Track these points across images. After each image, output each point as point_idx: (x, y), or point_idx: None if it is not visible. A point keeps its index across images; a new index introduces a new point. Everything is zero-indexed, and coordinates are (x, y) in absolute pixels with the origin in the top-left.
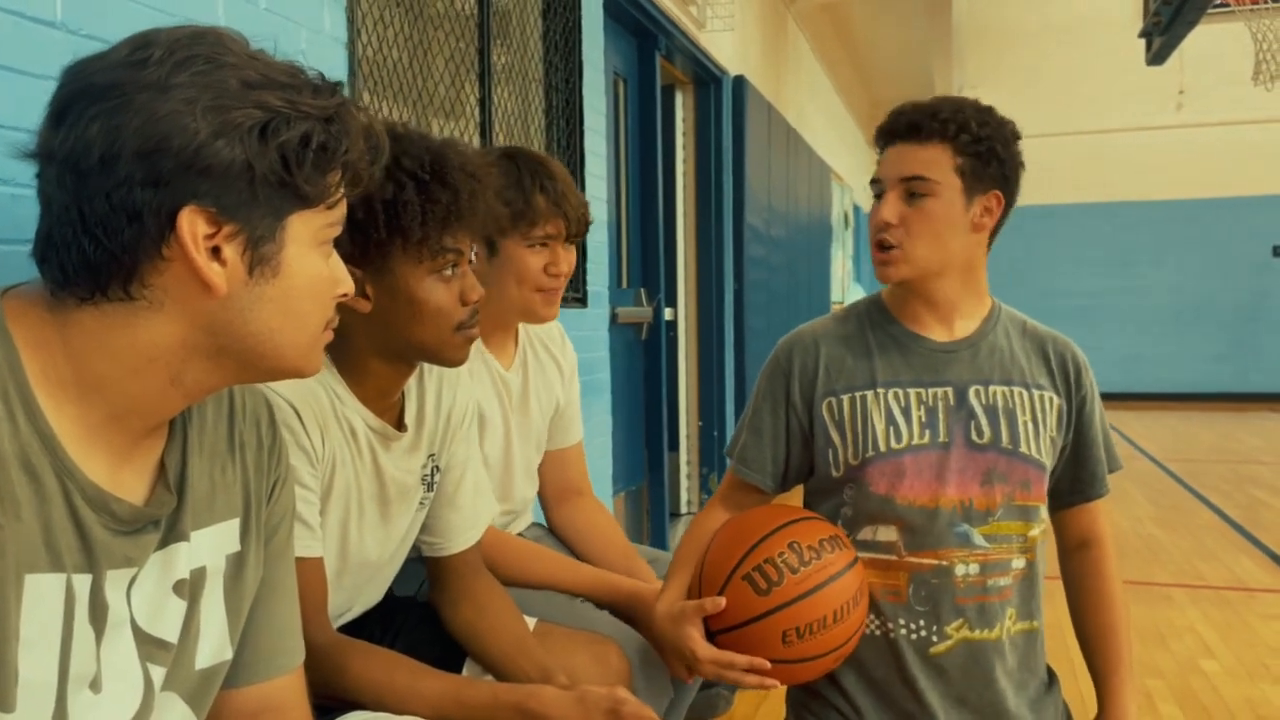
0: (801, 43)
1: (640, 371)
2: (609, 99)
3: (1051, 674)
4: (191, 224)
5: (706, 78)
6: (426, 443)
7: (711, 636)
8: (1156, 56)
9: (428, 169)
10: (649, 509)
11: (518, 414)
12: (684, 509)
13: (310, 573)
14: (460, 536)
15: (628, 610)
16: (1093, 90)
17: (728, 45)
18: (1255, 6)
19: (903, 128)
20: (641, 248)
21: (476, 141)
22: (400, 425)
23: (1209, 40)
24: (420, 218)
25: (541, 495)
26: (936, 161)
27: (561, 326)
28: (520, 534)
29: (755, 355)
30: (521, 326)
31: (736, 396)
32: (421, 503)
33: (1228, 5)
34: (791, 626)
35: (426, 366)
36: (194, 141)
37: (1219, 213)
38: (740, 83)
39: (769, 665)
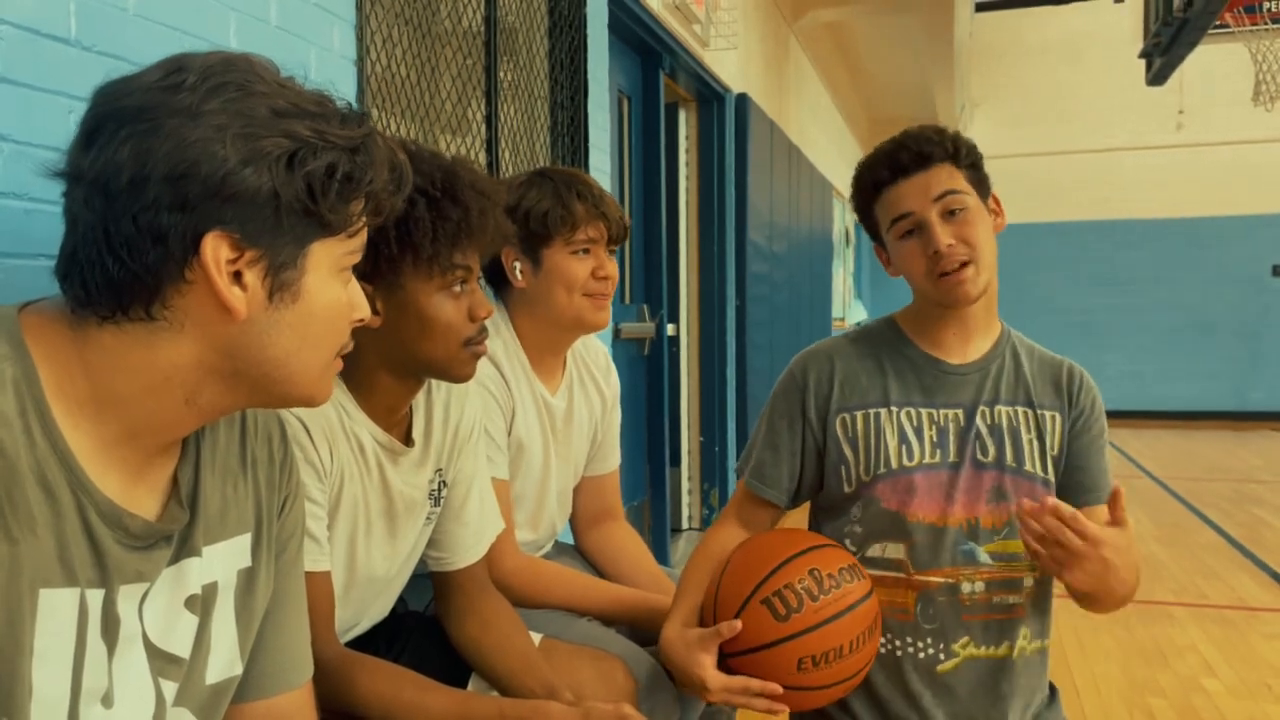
0: (804, 61)
1: (642, 387)
2: (613, 116)
3: (1053, 689)
4: (215, 249)
5: (710, 95)
6: (434, 458)
7: (724, 657)
8: (1157, 76)
9: (439, 186)
10: (650, 524)
11: (559, 441)
12: (685, 524)
13: (318, 587)
14: (466, 552)
15: (649, 626)
16: (1094, 109)
17: (731, 64)
18: (1255, 27)
19: (909, 161)
20: (644, 264)
21: (482, 158)
22: (408, 440)
23: (1209, 60)
24: (431, 234)
25: (574, 518)
26: (953, 178)
27: (608, 354)
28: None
29: (757, 371)
30: (570, 353)
31: (738, 412)
32: (428, 518)
33: (1227, 26)
34: (808, 654)
35: (434, 382)
36: (222, 168)
37: (1219, 231)
38: (743, 100)
39: (781, 691)
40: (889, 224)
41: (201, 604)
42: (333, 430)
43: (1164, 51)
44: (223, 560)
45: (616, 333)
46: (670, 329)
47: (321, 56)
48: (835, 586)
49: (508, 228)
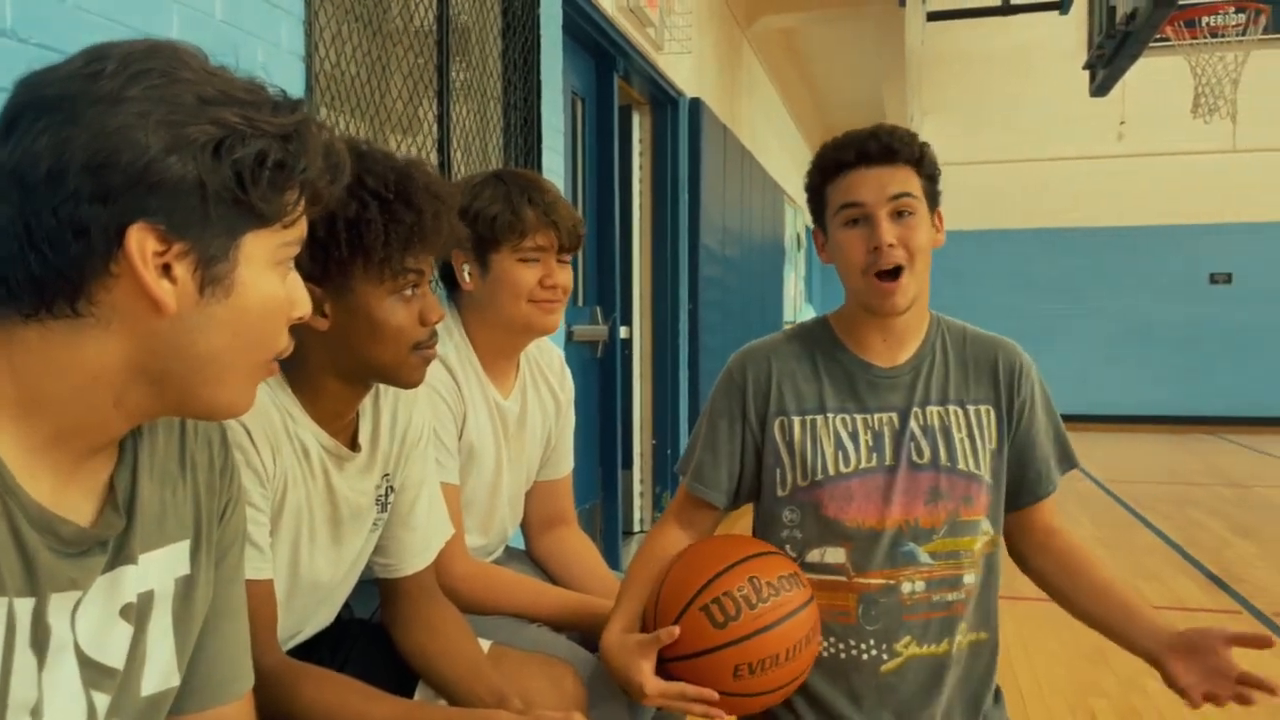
0: (756, 67)
1: (595, 390)
2: (567, 118)
3: (998, 691)
4: (140, 241)
5: (663, 99)
6: (381, 463)
7: (663, 663)
8: (1100, 88)
9: (392, 189)
10: (602, 527)
11: (511, 445)
12: (637, 527)
13: (260, 595)
14: (414, 558)
15: (600, 632)
16: (1039, 119)
17: (685, 68)
18: (1194, 41)
19: (876, 151)
20: (598, 266)
21: (434, 158)
22: (354, 445)
23: (1150, 73)
24: (383, 237)
25: (526, 523)
26: (910, 181)
27: (563, 356)
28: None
29: (710, 374)
30: (524, 356)
31: (691, 415)
32: (375, 524)
33: (1168, 40)
34: (744, 662)
35: (382, 387)
36: (144, 157)
37: (1159, 240)
38: (696, 105)
39: (717, 697)
40: (837, 208)
41: (137, 613)
42: (276, 434)
43: (1107, 63)
44: (160, 568)
45: (569, 335)
46: (623, 332)
47: (269, 52)
48: (774, 594)
49: (461, 231)
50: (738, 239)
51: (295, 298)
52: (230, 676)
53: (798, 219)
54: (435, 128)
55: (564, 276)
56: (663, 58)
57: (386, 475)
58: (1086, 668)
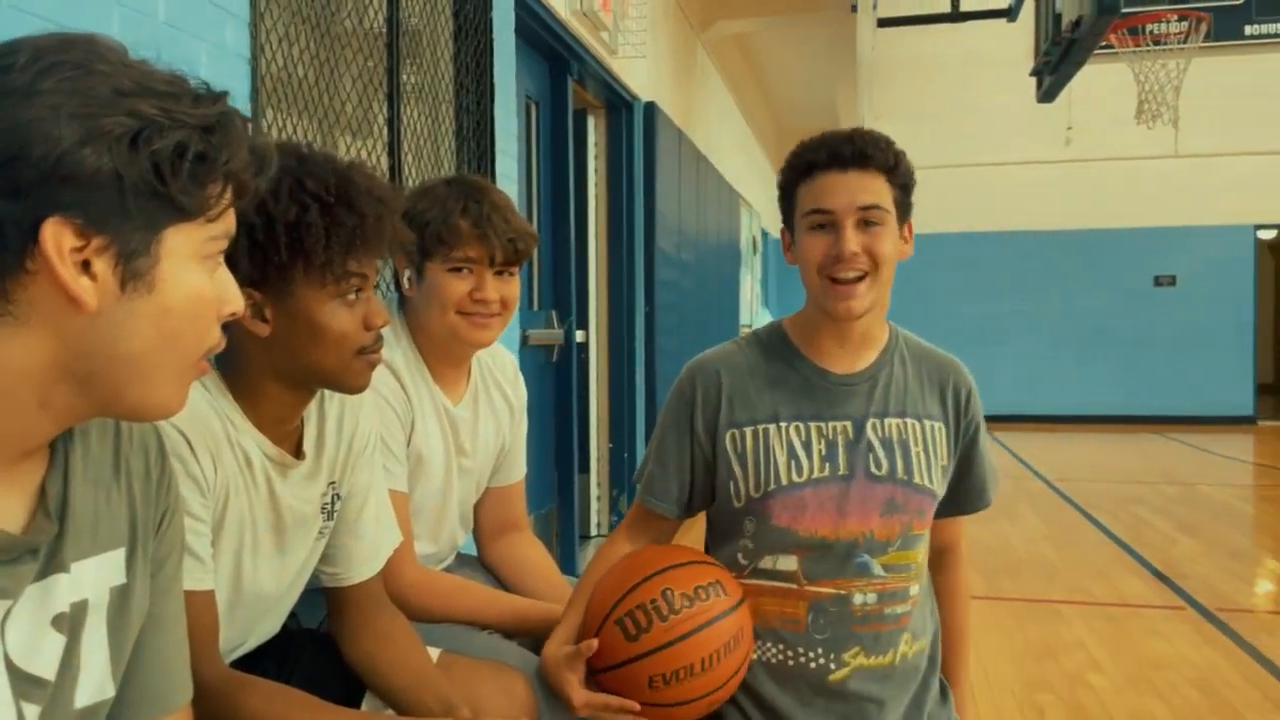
0: (711, 71)
1: (551, 394)
2: (521, 121)
3: (944, 688)
4: (56, 236)
5: (618, 103)
6: (327, 470)
7: (593, 673)
8: (1046, 94)
9: (333, 192)
10: (558, 532)
11: (462, 452)
12: (594, 531)
13: (200, 606)
14: (361, 566)
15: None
16: (988, 125)
17: (639, 72)
18: (1137, 49)
19: (850, 156)
20: (553, 270)
21: (385, 161)
22: (299, 452)
23: (1096, 80)
24: (324, 241)
25: (477, 530)
26: (883, 191)
27: (516, 362)
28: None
29: (666, 377)
30: (475, 361)
31: (647, 418)
32: (321, 532)
33: (1112, 47)
34: (658, 673)
35: (328, 392)
36: (57, 149)
37: (1105, 243)
38: (651, 109)
39: (639, 707)
40: (806, 211)
41: (70, 623)
42: (216, 442)
43: (1053, 70)
44: (94, 576)
45: (524, 339)
46: (579, 335)
47: (213, 54)
48: (688, 605)
49: (406, 235)
50: (694, 242)
51: (225, 294)
52: (168, 688)
53: (754, 223)
54: (386, 131)
55: (499, 290)
56: (617, 62)
57: (333, 483)
58: (1033, 664)
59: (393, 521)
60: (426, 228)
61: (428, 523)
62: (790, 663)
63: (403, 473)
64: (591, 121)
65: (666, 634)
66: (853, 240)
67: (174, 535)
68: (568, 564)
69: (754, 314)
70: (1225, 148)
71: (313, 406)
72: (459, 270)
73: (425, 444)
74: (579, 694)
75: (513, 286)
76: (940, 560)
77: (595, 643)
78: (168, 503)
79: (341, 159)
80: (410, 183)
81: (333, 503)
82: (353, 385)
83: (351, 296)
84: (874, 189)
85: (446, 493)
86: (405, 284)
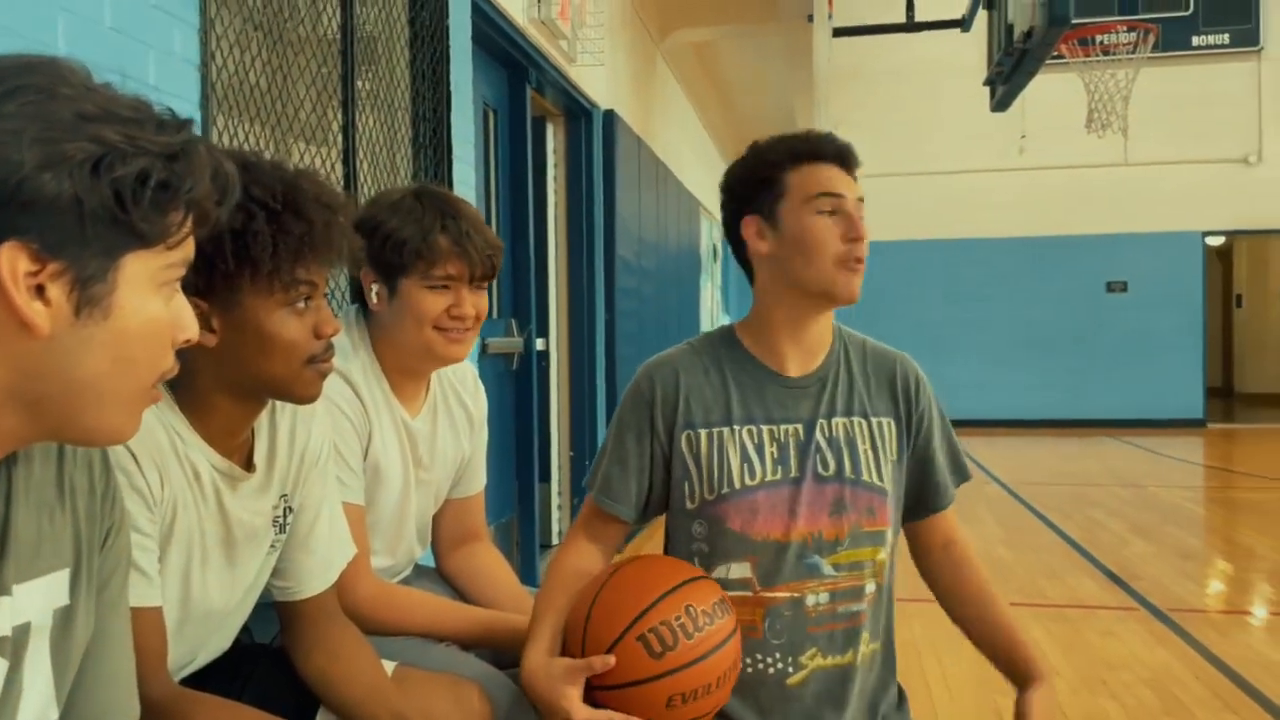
0: (670, 79)
1: (511, 402)
2: (478, 129)
3: (901, 693)
4: (12, 260)
5: (577, 111)
6: (278, 483)
7: (590, 690)
8: (1000, 103)
9: (279, 199)
10: (519, 541)
11: (420, 465)
12: (554, 540)
13: (147, 624)
14: (314, 580)
15: (510, 648)
16: (943, 133)
17: (598, 80)
18: (1087, 59)
19: (846, 153)
20: (513, 278)
21: (340, 169)
22: (249, 465)
23: (1048, 89)
24: (271, 249)
25: (436, 541)
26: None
27: (475, 373)
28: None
29: (627, 384)
30: (434, 373)
31: (608, 426)
32: (272, 546)
33: (1063, 58)
34: (679, 691)
35: (279, 403)
36: (17, 174)
37: (1058, 250)
38: (610, 117)
39: None
40: (812, 194)
41: (12, 647)
42: (163, 456)
43: (1006, 79)
44: (37, 599)
45: (484, 348)
46: (539, 343)
47: (162, 61)
48: (709, 623)
49: (355, 242)
50: (654, 250)
51: (181, 320)
52: (112, 709)
53: (714, 230)
54: (341, 138)
55: (475, 305)
56: (576, 70)
57: (284, 495)
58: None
59: (346, 535)
60: (405, 245)
61: (385, 536)
62: (750, 670)
63: (358, 485)
64: (550, 129)
65: (692, 651)
66: (863, 225)
67: (119, 551)
68: (528, 574)
69: (714, 320)
70: (1173, 156)
71: (263, 418)
72: (437, 287)
73: (383, 456)
74: (580, 711)
75: (484, 299)
76: (945, 553)
77: (612, 659)
78: (113, 518)
79: (290, 166)
80: (366, 191)
81: (284, 516)
82: (303, 395)
83: (301, 304)
84: (858, 189)
85: (404, 506)
86: (373, 299)
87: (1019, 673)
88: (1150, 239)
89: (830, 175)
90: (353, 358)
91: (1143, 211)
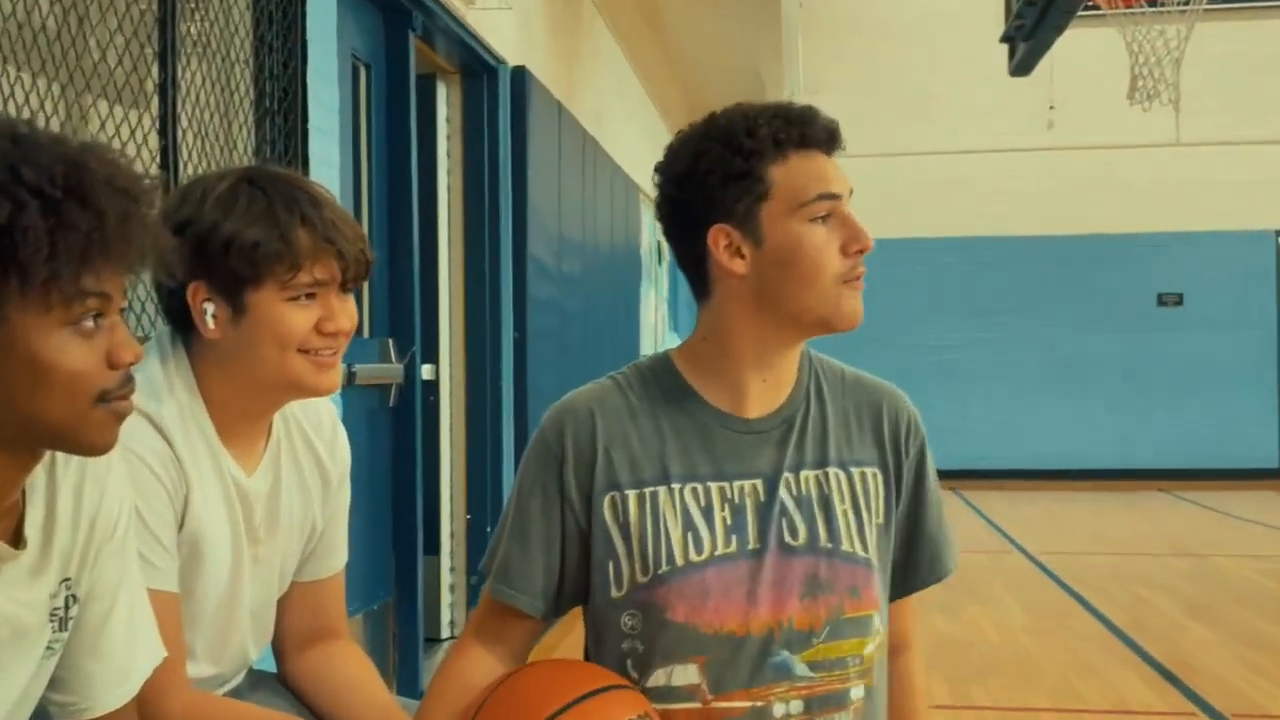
0: (602, 30)
1: (386, 449)
2: (345, 90)
3: None
4: None
5: (478, 67)
6: (58, 564)
7: None
8: (1021, 65)
9: (59, 183)
10: (397, 635)
11: (257, 539)
12: (445, 632)
13: None
14: (105, 695)
15: None
16: (948, 102)
17: (506, 28)
18: (1130, 10)
19: (837, 136)
20: (389, 286)
21: (155, 140)
22: (19, 540)
23: (1082, 49)
24: (47, 250)
25: (278, 638)
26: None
27: (335, 412)
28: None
29: None
30: (278, 415)
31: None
32: (49, 647)
33: (1099, 9)
34: None
35: (61, 456)
36: None
37: (1095, 253)
38: (521, 75)
39: None
40: (803, 199)
41: None
42: None
43: (1028, 35)
44: None
45: (350, 378)
46: (426, 371)
47: None
48: None
49: (165, 240)
50: (579, 249)
51: None
52: None
53: (658, 226)
54: (158, 99)
55: (348, 317)
56: (475, 15)
57: (66, 580)
58: None
59: (153, 632)
60: (257, 249)
61: (208, 633)
62: None
63: (171, 566)
64: (442, 90)
65: None
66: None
67: None
68: (409, 676)
69: (658, 341)
70: (1237, 135)
71: (40, 476)
72: (300, 298)
73: (204, 527)
74: None
75: (353, 309)
76: (891, 664)
77: None
78: None
79: (74, 141)
80: (191, 171)
81: (66, 607)
82: (93, 443)
83: (88, 324)
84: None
85: (234, 592)
86: (209, 323)
87: None
88: (1211, 239)
89: (824, 168)
90: (167, 398)
91: (1201, 205)
